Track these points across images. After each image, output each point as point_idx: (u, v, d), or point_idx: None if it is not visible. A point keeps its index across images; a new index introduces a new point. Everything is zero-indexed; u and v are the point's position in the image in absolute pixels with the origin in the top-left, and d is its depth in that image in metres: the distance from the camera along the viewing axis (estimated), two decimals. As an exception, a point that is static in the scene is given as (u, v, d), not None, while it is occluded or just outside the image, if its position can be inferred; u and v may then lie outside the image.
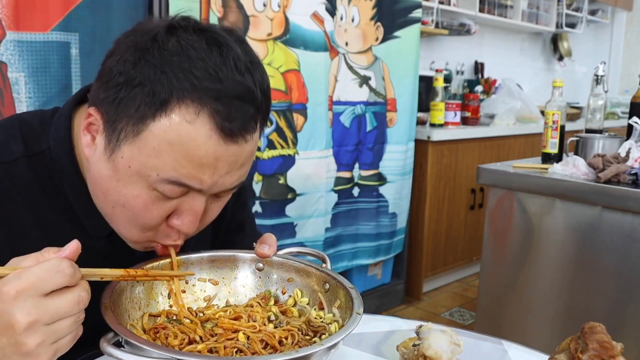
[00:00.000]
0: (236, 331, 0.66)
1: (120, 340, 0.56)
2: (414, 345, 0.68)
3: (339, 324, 0.69)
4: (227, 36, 0.65)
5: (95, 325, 0.57)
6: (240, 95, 0.62)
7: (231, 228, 0.94)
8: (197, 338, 0.65)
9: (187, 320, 0.69)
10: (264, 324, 0.70)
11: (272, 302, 0.76)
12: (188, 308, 0.73)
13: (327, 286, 0.75)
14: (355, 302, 0.68)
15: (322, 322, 0.71)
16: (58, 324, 0.52)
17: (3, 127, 0.73)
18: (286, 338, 0.67)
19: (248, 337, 0.65)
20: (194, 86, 0.60)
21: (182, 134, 0.61)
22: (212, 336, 0.66)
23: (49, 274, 0.51)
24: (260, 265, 0.79)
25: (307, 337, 0.69)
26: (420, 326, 0.70)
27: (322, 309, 0.74)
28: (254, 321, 0.69)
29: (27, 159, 0.70)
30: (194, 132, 0.61)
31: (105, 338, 0.55)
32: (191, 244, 0.79)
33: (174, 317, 0.70)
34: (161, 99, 0.60)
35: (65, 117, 0.73)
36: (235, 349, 0.63)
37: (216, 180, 0.65)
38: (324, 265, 0.77)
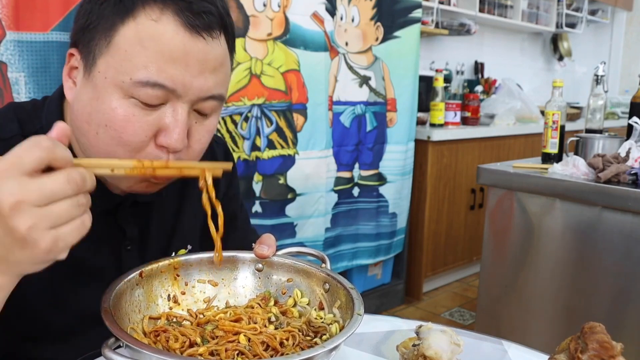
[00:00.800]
0: (237, 333, 0.66)
1: (122, 345, 0.56)
2: (414, 345, 0.68)
3: (340, 325, 0.69)
4: None
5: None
6: None
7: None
8: (198, 340, 0.65)
9: (187, 323, 0.69)
10: (265, 326, 0.70)
11: (272, 303, 0.76)
12: (188, 310, 0.73)
13: (327, 286, 0.75)
14: (356, 302, 0.68)
15: (322, 322, 0.71)
16: (50, 207, 0.48)
17: (1, 112, 0.76)
18: (287, 339, 0.67)
19: (249, 339, 0.65)
20: None
21: (150, 31, 0.64)
22: (213, 338, 0.66)
23: (27, 150, 0.49)
24: (260, 265, 0.79)
25: (308, 338, 0.69)
26: (420, 326, 0.70)
27: (322, 309, 0.74)
28: (255, 323, 0.69)
29: (22, 138, 0.71)
30: (161, 28, 0.64)
31: (107, 343, 0.54)
32: (184, 232, 0.78)
33: (174, 320, 0.70)
34: (127, 6, 0.65)
35: (56, 101, 0.76)
36: (237, 352, 0.63)
37: (190, 80, 0.66)
38: (323, 265, 0.77)
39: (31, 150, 0.48)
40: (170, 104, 0.67)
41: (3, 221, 0.47)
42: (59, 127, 0.53)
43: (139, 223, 0.82)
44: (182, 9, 0.65)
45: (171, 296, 0.73)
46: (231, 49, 0.73)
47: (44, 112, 0.76)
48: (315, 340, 0.69)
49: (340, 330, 0.65)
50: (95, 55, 0.66)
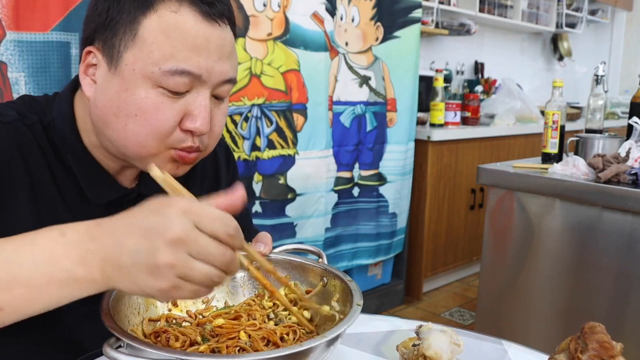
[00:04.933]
0: (237, 330, 0.66)
1: (122, 345, 0.56)
2: (414, 345, 0.68)
3: (339, 317, 0.69)
4: None
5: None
6: None
7: None
8: (199, 339, 0.65)
9: (187, 324, 0.69)
10: (264, 322, 0.70)
11: (266, 298, 0.76)
12: (187, 311, 0.73)
13: (325, 280, 0.75)
14: (355, 294, 0.68)
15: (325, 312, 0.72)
16: (195, 263, 0.51)
17: (18, 103, 0.78)
18: (287, 334, 0.67)
19: (249, 336, 0.65)
20: None
21: (172, 22, 0.69)
22: (213, 337, 0.66)
23: (217, 219, 0.52)
24: (257, 264, 0.79)
25: (308, 333, 0.70)
26: (420, 326, 0.70)
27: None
28: (254, 319, 0.69)
29: (42, 127, 0.76)
30: (182, 19, 0.69)
31: (108, 343, 0.54)
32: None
33: (174, 321, 0.70)
34: (147, 0, 0.69)
35: (66, 96, 0.79)
36: (238, 348, 0.63)
37: (212, 66, 0.71)
38: (320, 260, 0.78)
39: (220, 222, 0.52)
40: (195, 90, 0.72)
41: (157, 243, 0.50)
42: (241, 194, 0.57)
43: None
44: (196, 1, 0.70)
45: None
46: (235, 34, 0.78)
47: (54, 105, 0.78)
48: (313, 335, 0.69)
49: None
50: (121, 50, 0.70)
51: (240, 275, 0.79)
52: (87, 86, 0.73)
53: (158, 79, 0.69)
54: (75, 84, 0.80)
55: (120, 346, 0.56)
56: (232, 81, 0.76)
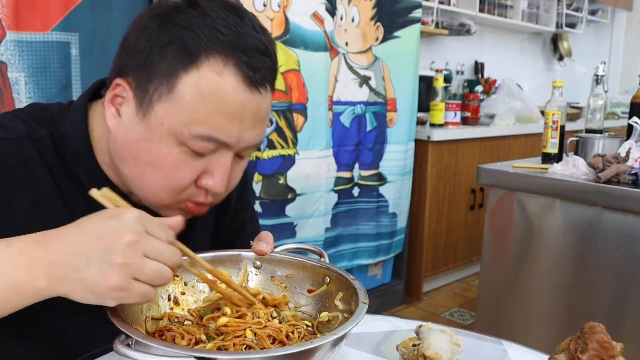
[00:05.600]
0: (243, 328, 0.66)
1: (130, 343, 0.56)
2: (414, 345, 0.68)
3: (344, 316, 0.69)
4: (240, 5, 0.72)
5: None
6: (259, 49, 0.68)
7: (232, 228, 0.94)
8: (203, 338, 0.65)
9: (189, 322, 0.69)
10: (268, 320, 0.70)
11: (261, 297, 0.76)
12: (188, 310, 0.73)
13: (328, 279, 0.75)
14: (360, 292, 0.68)
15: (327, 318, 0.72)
16: (148, 262, 0.55)
17: (27, 112, 0.76)
18: (292, 332, 0.67)
19: (255, 334, 0.65)
20: (220, 40, 0.66)
21: (212, 84, 0.66)
22: (219, 335, 0.66)
23: (159, 224, 0.58)
24: (258, 263, 0.79)
25: (312, 333, 0.70)
26: (420, 326, 0.70)
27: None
28: (258, 318, 0.69)
29: (51, 140, 0.74)
30: (223, 82, 0.66)
31: (119, 339, 0.55)
32: (196, 243, 0.79)
33: (176, 319, 0.70)
34: (191, 54, 0.66)
35: (81, 108, 0.77)
36: (244, 346, 0.63)
37: (242, 134, 0.69)
38: (322, 259, 0.78)
39: (163, 229, 0.58)
40: (218, 152, 0.70)
41: (114, 243, 0.53)
42: (178, 222, 0.62)
43: None
44: (242, 62, 0.67)
45: (171, 297, 0.73)
46: (273, 90, 0.75)
47: (68, 117, 0.76)
48: (318, 336, 0.69)
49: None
50: (153, 99, 0.67)
51: (241, 273, 0.79)
52: (110, 117, 0.71)
53: (184, 139, 0.67)
54: (92, 93, 0.78)
55: (128, 344, 0.56)
56: (259, 144, 0.74)
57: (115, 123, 0.71)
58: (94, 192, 0.61)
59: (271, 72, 0.71)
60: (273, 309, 0.73)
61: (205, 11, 0.67)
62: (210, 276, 0.70)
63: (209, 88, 0.66)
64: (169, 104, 0.67)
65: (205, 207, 0.74)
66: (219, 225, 0.92)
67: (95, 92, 0.79)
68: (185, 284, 0.75)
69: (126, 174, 0.72)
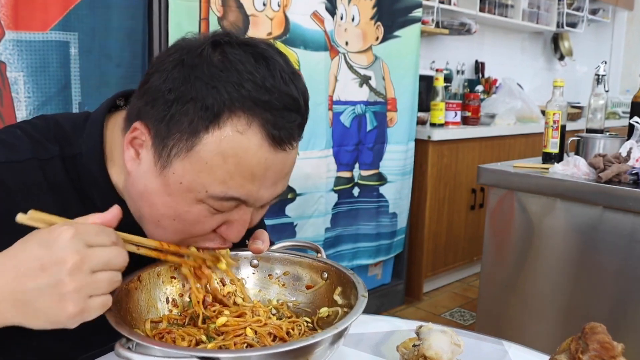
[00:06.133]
0: (243, 327, 0.66)
1: (132, 346, 0.56)
2: (414, 346, 0.67)
3: (344, 311, 0.69)
4: (270, 49, 0.68)
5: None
6: (287, 105, 0.65)
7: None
8: (204, 338, 0.64)
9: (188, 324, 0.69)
10: (269, 317, 0.70)
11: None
12: (182, 312, 0.73)
13: (326, 275, 0.75)
14: (359, 286, 0.68)
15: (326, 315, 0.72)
16: (98, 276, 0.54)
17: (38, 126, 0.74)
18: (292, 329, 0.67)
19: (256, 332, 0.65)
20: (244, 98, 0.62)
21: (234, 145, 0.62)
22: (219, 335, 0.66)
23: (97, 230, 0.56)
24: (255, 262, 0.79)
25: (312, 329, 0.70)
26: (421, 326, 0.69)
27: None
28: (258, 316, 0.69)
29: (61, 160, 0.72)
30: (246, 142, 0.62)
31: (120, 343, 0.54)
32: None
33: (175, 321, 0.70)
34: (214, 112, 0.62)
35: (97, 124, 0.74)
36: (246, 345, 0.63)
37: (263, 192, 0.67)
38: (319, 255, 0.77)
39: (103, 234, 0.56)
40: (241, 206, 0.68)
41: (58, 273, 0.52)
42: (114, 212, 0.60)
43: None
44: (268, 121, 0.63)
45: (169, 299, 0.73)
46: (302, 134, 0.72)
47: (84, 135, 0.74)
48: (318, 331, 0.69)
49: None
50: (172, 155, 0.64)
51: (242, 273, 0.78)
52: (129, 160, 0.68)
53: (203, 199, 0.65)
54: (110, 105, 0.76)
55: (129, 347, 0.55)
56: (280, 195, 0.71)
57: (135, 167, 0.68)
58: (20, 217, 0.57)
59: (299, 128, 0.68)
60: (272, 306, 0.73)
61: (232, 62, 0.63)
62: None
63: (231, 149, 0.62)
64: (187, 163, 0.63)
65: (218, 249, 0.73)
66: None
67: (114, 103, 0.77)
68: (183, 286, 0.74)
69: (141, 212, 0.70)
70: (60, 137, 0.73)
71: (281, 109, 0.64)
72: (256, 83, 0.63)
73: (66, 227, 0.54)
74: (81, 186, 0.73)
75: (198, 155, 0.63)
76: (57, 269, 0.52)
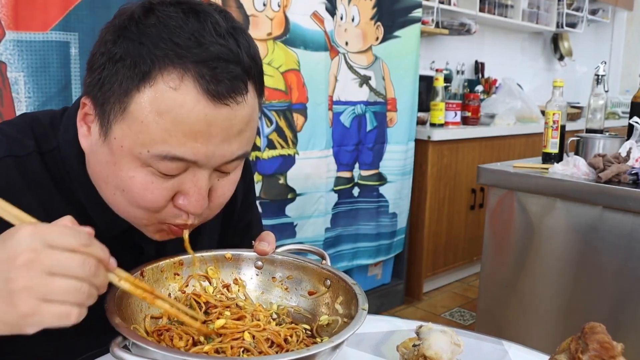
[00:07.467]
0: (241, 330, 0.66)
1: (128, 344, 0.55)
2: (414, 346, 0.67)
3: (343, 321, 0.69)
4: (204, 5, 0.65)
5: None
6: (223, 57, 0.61)
7: (238, 228, 0.94)
8: (202, 339, 0.64)
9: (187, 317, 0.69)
10: (268, 322, 0.70)
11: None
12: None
13: (329, 282, 0.75)
14: (360, 298, 0.67)
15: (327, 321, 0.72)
16: (54, 280, 0.49)
17: (16, 124, 0.74)
18: (291, 336, 0.67)
19: (253, 337, 0.65)
20: (175, 53, 0.60)
21: (168, 101, 0.60)
22: (218, 336, 0.66)
23: (62, 231, 0.51)
24: (260, 263, 0.79)
25: (310, 337, 0.70)
26: (421, 326, 0.69)
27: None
28: (258, 320, 0.69)
29: (39, 155, 0.71)
30: (181, 98, 0.60)
31: (115, 342, 0.54)
32: (203, 247, 0.78)
33: (176, 319, 0.70)
34: (143, 70, 0.60)
35: (73, 117, 0.72)
36: (242, 349, 0.63)
37: (212, 150, 0.63)
38: (323, 262, 0.77)
39: (71, 234, 0.51)
40: (191, 170, 0.65)
41: (9, 269, 0.48)
42: (90, 230, 0.54)
43: (156, 240, 0.78)
44: (203, 75, 0.60)
45: (171, 295, 0.73)
46: (260, 94, 0.68)
47: (60, 129, 0.73)
48: (317, 339, 0.69)
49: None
50: (110, 120, 0.63)
51: (242, 273, 0.78)
52: (82, 137, 0.68)
53: (147, 160, 0.62)
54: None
55: (126, 346, 0.55)
56: (242, 156, 0.68)
57: (87, 144, 0.67)
58: None
59: (242, 79, 0.63)
60: (272, 311, 0.73)
61: (161, 19, 0.61)
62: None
63: (165, 105, 0.60)
64: (124, 125, 0.62)
65: (187, 228, 0.70)
66: (226, 227, 0.91)
67: None
68: (187, 285, 0.75)
69: (104, 196, 0.69)
70: (38, 132, 0.72)
71: (215, 60, 0.61)
72: (186, 37, 0.60)
73: (27, 225, 0.51)
74: (62, 181, 0.72)
75: (133, 116, 0.61)
76: (6, 265, 0.49)
